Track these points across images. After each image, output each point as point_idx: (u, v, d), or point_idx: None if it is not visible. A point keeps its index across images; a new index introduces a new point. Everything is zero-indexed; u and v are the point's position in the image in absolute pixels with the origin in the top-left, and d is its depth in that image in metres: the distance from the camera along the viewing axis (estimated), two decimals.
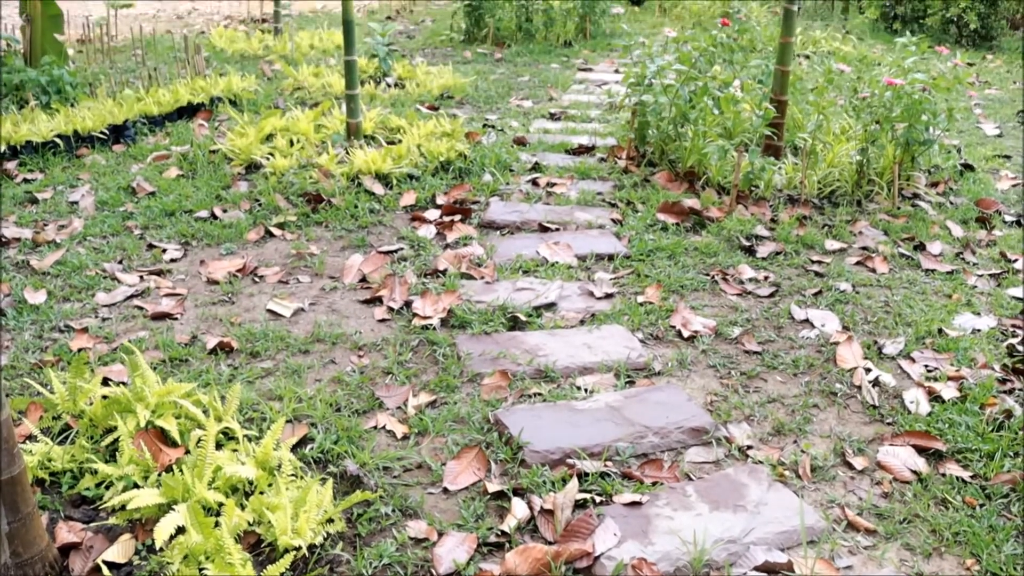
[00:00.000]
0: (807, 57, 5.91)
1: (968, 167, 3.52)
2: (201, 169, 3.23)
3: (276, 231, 2.66)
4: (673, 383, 1.92)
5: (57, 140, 3.40)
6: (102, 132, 3.56)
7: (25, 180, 3.19)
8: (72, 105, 3.83)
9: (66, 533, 1.43)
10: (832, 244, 2.68)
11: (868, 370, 2.01)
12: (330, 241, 2.61)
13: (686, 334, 2.14)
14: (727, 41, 3.54)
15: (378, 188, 2.97)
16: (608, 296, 2.35)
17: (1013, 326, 2.26)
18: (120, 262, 2.50)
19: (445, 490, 1.58)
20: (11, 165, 3.29)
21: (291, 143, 3.43)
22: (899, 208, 3.01)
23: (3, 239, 2.67)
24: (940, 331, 2.23)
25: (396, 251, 2.58)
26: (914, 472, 1.67)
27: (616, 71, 5.56)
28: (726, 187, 3.06)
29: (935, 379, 2.01)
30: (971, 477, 1.67)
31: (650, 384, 1.92)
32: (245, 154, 3.26)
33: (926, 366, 2.08)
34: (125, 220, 2.83)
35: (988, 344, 2.17)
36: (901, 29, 7.06)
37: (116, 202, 2.96)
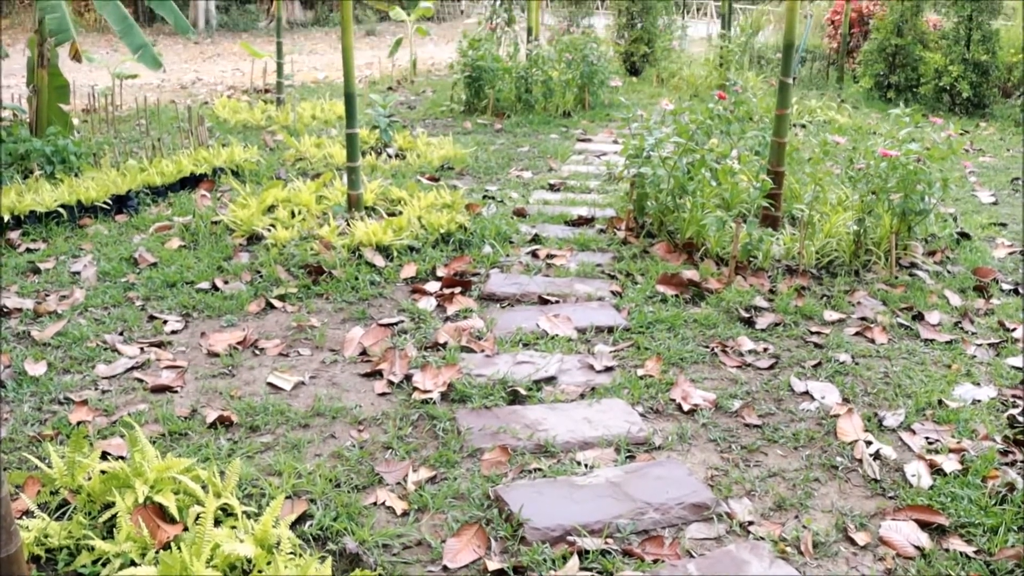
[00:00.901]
0: (803, 126, 5.95)
1: (965, 235, 3.54)
2: (203, 240, 3.25)
3: (277, 303, 2.67)
4: (674, 457, 1.92)
5: (60, 210, 3.42)
6: (105, 202, 3.58)
7: (28, 250, 3.20)
8: (76, 175, 3.86)
9: None
10: (831, 315, 2.68)
11: (869, 443, 2.00)
12: (331, 313, 2.62)
13: (686, 407, 2.13)
14: (724, 113, 3.58)
15: (379, 260, 2.99)
16: (608, 369, 2.35)
17: (1013, 396, 2.26)
18: (121, 333, 2.50)
19: (445, 568, 1.57)
20: (14, 235, 3.31)
21: (292, 214, 3.46)
22: (897, 278, 3.02)
23: (4, 309, 2.68)
24: (940, 402, 2.22)
25: (397, 324, 2.58)
26: (917, 548, 1.66)
27: (615, 141, 5.60)
28: (725, 258, 3.07)
29: (936, 451, 2.00)
30: (975, 552, 1.66)
31: (650, 459, 1.91)
32: (247, 225, 3.28)
33: (927, 438, 2.07)
34: (127, 291, 2.83)
35: (989, 415, 2.16)
36: (895, 98, 7.14)
37: (118, 272, 2.97)
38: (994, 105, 7.10)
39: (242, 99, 6.89)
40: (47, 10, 3.98)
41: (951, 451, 1.99)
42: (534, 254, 3.25)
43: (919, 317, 2.78)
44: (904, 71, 7.29)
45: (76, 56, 4.57)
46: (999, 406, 2.24)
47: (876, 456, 1.96)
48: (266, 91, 7.48)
